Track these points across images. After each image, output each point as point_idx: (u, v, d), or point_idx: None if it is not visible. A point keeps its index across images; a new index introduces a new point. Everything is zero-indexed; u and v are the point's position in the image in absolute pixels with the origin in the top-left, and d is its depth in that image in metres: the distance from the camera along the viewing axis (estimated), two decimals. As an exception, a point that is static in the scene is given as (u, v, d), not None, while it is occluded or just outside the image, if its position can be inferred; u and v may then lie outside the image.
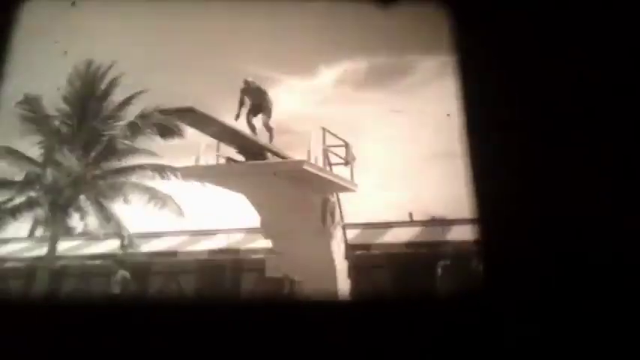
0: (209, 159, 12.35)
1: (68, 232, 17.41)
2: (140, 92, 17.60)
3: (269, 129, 12.43)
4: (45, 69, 16.80)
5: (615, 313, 1.82)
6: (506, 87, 1.97)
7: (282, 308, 2.07)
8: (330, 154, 13.11)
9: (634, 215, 1.86)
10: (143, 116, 17.08)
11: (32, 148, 17.58)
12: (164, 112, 13.23)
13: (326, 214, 12.81)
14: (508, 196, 1.90)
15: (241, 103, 12.33)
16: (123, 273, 12.88)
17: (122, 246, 16.67)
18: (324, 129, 12.94)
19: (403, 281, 14.32)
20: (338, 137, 13.37)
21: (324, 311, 1.97)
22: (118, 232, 17.06)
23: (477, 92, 1.96)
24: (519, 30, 1.99)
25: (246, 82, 12.49)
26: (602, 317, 1.81)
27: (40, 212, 17.30)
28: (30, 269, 16.94)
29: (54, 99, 17.56)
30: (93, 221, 17.47)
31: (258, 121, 12.53)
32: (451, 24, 1.97)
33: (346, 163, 13.41)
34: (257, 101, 12.41)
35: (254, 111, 12.45)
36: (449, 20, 1.98)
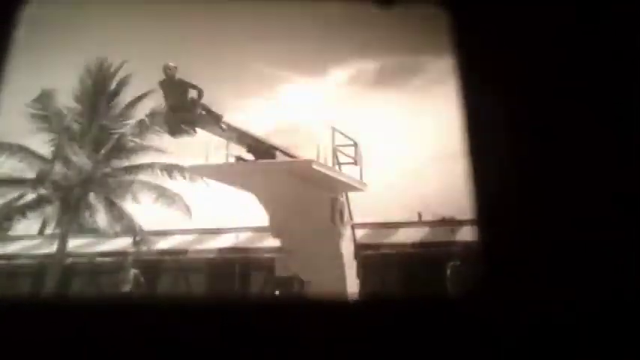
0: (219, 158, 12.36)
1: (78, 230, 17.49)
2: (150, 91, 17.64)
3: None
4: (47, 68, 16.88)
5: (616, 313, 1.82)
6: (508, 88, 1.96)
7: (291, 307, 2.06)
8: (339, 154, 13.10)
9: (635, 216, 1.86)
10: (153, 115, 17.11)
11: (43, 146, 17.70)
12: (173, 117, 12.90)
13: (335, 213, 12.79)
14: (509, 197, 1.89)
15: (167, 99, 10.40)
16: (133, 271, 12.92)
17: (135, 243, 16.71)
18: (333, 128, 12.93)
19: (412, 282, 14.29)
20: (347, 137, 13.36)
21: (332, 311, 1.96)
22: (131, 230, 17.10)
23: (478, 93, 1.95)
24: (520, 30, 1.98)
25: (165, 69, 10.38)
26: (602, 317, 1.82)
27: (50, 210, 17.39)
28: (40, 267, 17.04)
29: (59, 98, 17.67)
30: (103, 219, 17.57)
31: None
32: (451, 25, 1.97)
33: (355, 162, 13.39)
34: (175, 101, 10.39)
35: (173, 111, 10.50)
36: (449, 21, 1.98)
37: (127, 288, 12.62)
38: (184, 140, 11.40)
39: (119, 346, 1.80)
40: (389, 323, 1.84)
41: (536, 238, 1.87)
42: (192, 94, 10.53)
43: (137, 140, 17.67)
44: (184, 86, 10.47)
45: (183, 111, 10.35)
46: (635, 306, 1.82)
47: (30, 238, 18.69)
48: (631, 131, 1.90)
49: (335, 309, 2.00)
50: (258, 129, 12.38)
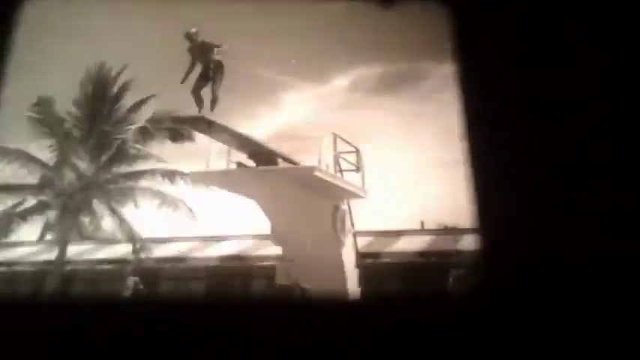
0: (220, 164, 12.31)
1: (78, 236, 17.45)
2: (151, 96, 17.66)
3: (215, 99, 10.80)
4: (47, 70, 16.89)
5: (616, 315, 1.82)
6: (508, 94, 1.95)
7: (292, 308, 2.05)
8: (341, 160, 13.06)
9: (635, 221, 1.85)
10: (154, 120, 17.09)
11: (43, 151, 17.68)
12: (175, 120, 12.89)
13: (336, 221, 12.74)
14: (510, 204, 1.89)
15: (193, 65, 10.73)
16: (133, 278, 12.91)
17: (134, 250, 16.68)
18: (335, 135, 12.89)
19: (414, 290, 14.24)
20: (349, 143, 13.32)
21: (332, 311, 1.95)
22: (131, 237, 17.07)
23: (479, 99, 1.95)
24: (522, 36, 1.97)
25: (189, 36, 10.68)
26: (602, 320, 1.82)
27: (51, 216, 17.35)
28: (40, 273, 16.99)
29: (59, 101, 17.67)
30: (104, 225, 17.54)
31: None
32: (452, 28, 1.96)
33: (357, 169, 13.35)
34: (205, 62, 10.76)
35: (204, 77, 10.79)
36: (450, 25, 1.96)
37: (126, 295, 12.61)
38: (185, 147, 11.44)
39: (116, 347, 1.79)
40: (389, 323, 1.83)
41: (536, 243, 1.86)
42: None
43: (138, 146, 17.65)
44: (209, 46, 10.81)
45: (215, 78, 10.67)
46: (634, 309, 1.81)
47: (30, 244, 18.66)
48: (632, 138, 1.89)
49: (335, 308, 1.99)
50: (260, 135, 12.36)
